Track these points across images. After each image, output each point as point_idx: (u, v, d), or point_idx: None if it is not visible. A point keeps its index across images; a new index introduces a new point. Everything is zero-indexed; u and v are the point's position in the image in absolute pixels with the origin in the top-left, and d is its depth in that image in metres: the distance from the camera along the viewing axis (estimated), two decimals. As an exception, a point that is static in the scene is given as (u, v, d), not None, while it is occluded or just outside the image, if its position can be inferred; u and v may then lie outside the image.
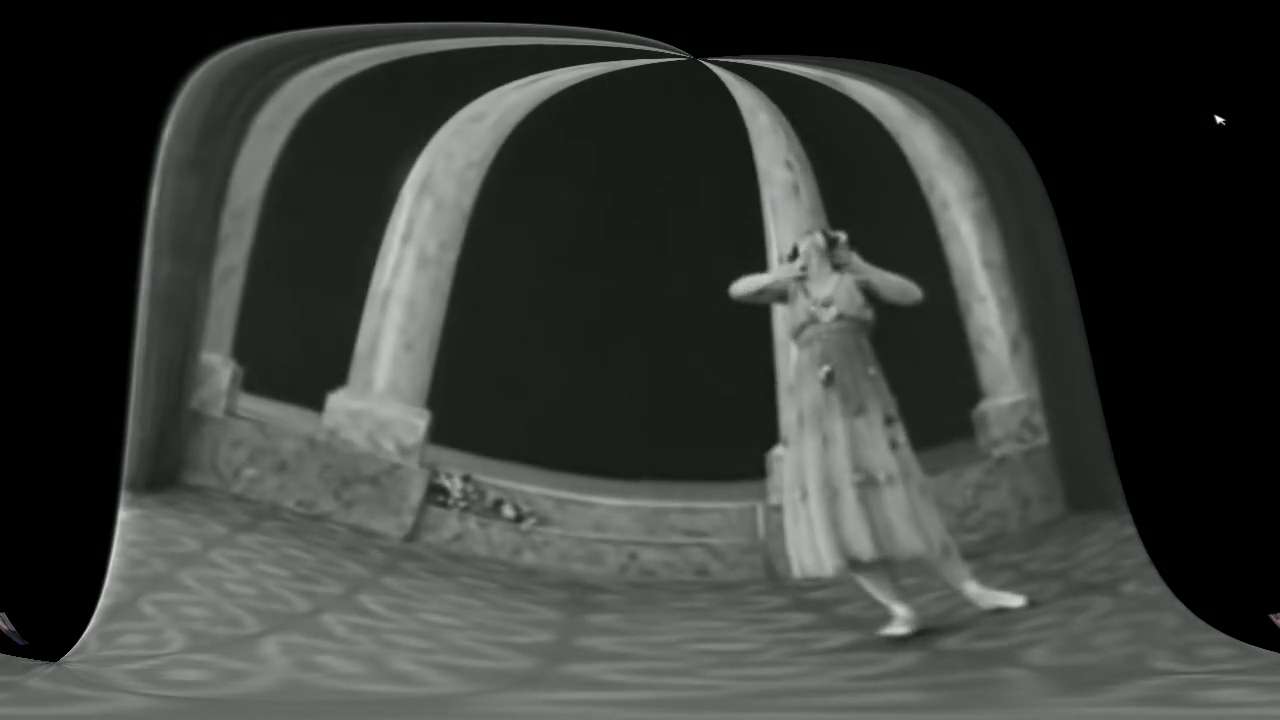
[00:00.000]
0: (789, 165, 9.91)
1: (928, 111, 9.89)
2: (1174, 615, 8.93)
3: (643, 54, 9.67)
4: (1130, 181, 9.44)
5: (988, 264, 9.86)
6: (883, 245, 9.76)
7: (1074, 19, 9.35)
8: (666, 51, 9.66)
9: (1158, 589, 9.10)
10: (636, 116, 9.67)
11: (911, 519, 9.14)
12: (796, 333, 9.29)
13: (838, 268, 9.29)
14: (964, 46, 9.40)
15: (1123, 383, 9.50)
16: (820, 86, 9.83)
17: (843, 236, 9.35)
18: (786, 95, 9.84)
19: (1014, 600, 9.06)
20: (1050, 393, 9.74)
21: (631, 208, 9.60)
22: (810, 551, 9.23)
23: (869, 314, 9.24)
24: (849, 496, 9.14)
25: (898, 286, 9.31)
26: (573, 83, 9.74)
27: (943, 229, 9.89)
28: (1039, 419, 9.70)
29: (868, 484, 9.13)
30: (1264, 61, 9.36)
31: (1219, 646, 8.69)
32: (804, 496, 9.24)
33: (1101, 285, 9.55)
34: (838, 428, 9.19)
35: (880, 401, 9.18)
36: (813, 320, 9.22)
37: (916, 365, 9.68)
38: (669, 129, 9.68)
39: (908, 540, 9.13)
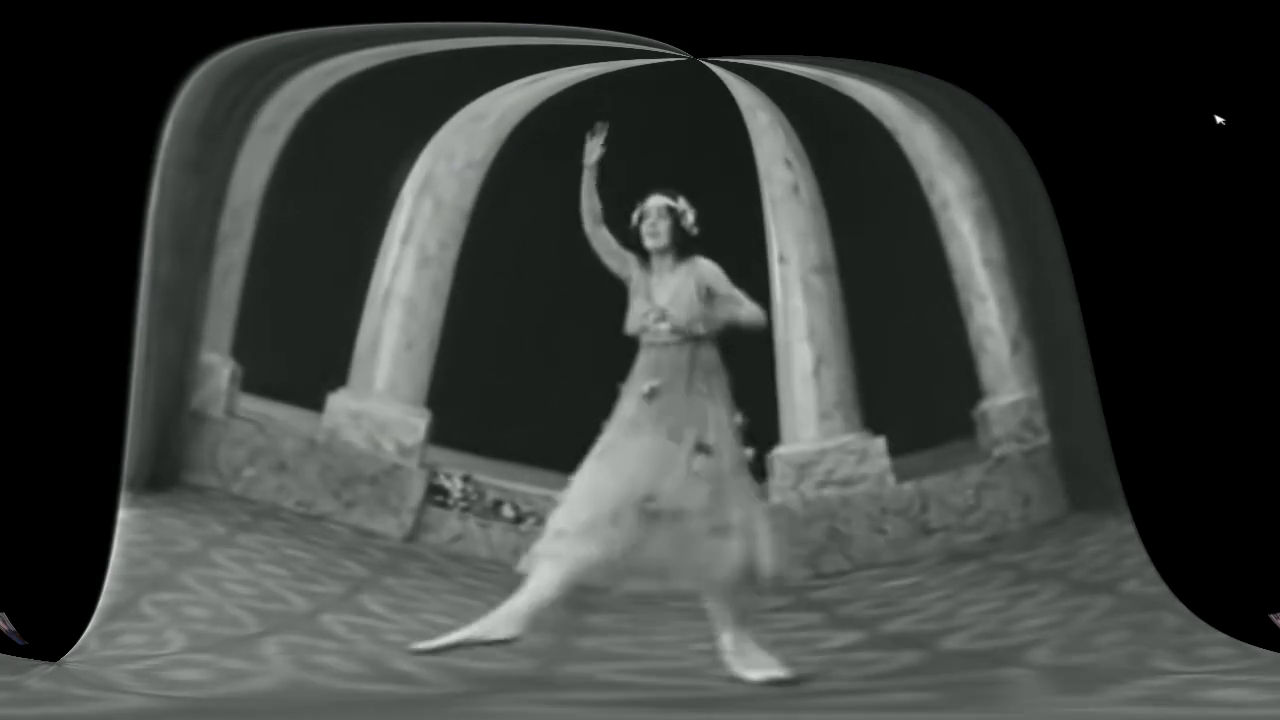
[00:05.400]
0: (789, 164, 9.91)
1: (927, 110, 9.89)
2: (1174, 615, 8.93)
3: (643, 54, 9.67)
4: (1130, 181, 9.44)
5: (988, 263, 9.87)
6: (883, 244, 9.79)
7: (1074, 19, 9.35)
8: (666, 51, 9.66)
9: (1158, 588, 9.10)
10: (636, 116, 9.66)
11: (685, 556, 8.59)
12: (636, 333, 8.77)
13: (684, 256, 8.74)
14: (964, 46, 9.40)
15: (1123, 383, 9.50)
16: (820, 86, 9.83)
17: (691, 217, 8.75)
18: (786, 95, 9.84)
19: (768, 672, 8.52)
20: (1050, 392, 9.74)
21: (631, 207, 9.59)
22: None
23: (704, 327, 8.70)
24: (626, 523, 8.61)
25: (751, 316, 8.80)
26: (573, 83, 9.74)
27: (943, 228, 9.90)
28: (1039, 418, 9.71)
29: (650, 514, 8.61)
30: (1264, 61, 9.36)
31: (1219, 646, 8.69)
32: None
33: (1101, 285, 9.55)
34: (643, 446, 8.67)
35: (695, 428, 8.65)
36: (645, 329, 8.72)
37: (916, 365, 9.70)
38: (669, 129, 9.68)
39: (678, 578, 8.63)
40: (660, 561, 8.59)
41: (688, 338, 8.69)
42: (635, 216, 8.77)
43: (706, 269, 8.74)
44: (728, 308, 8.74)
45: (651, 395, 8.67)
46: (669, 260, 8.75)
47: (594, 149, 8.75)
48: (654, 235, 8.75)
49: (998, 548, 9.48)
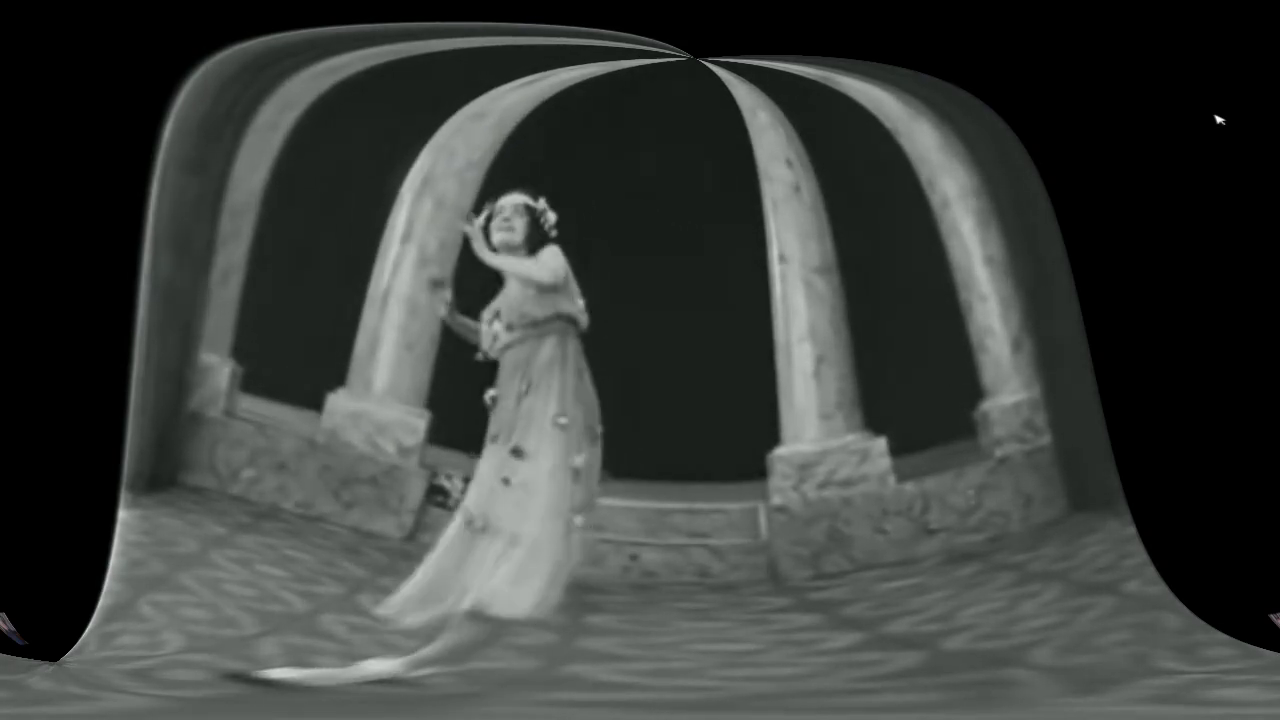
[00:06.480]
0: (789, 164, 9.91)
1: (927, 110, 9.89)
2: (1175, 615, 8.94)
3: (643, 54, 9.66)
4: (1130, 180, 9.44)
5: (988, 262, 9.86)
6: (883, 244, 9.79)
7: (1074, 19, 9.35)
8: (666, 51, 9.65)
9: (1159, 589, 9.10)
10: (636, 116, 9.66)
11: (489, 574, 8.44)
12: (491, 353, 8.64)
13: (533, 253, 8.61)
14: (964, 46, 9.40)
15: (1123, 383, 9.50)
16: (820, 86, 9.82)
17: (551, 218, 8.65)
18: (786, 95, 9.83)
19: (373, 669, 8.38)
20: (1051, 392, 9.74)
21: (631, 207, 9.60)
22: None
23: (539, 311, 8.58)
24: (448, 537, 8.59)
25: (521, 269, 8.59)
26: (573, 83, 9.73)
27: (943, 227, 9.89)
28: (1040, 419, 9.71)
29: (470, 527, 8.53)
30: (1264, 61, 9.36)
31: (1221, 647, 8.70)
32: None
33: (1101, 285, 9.55)
34: (481, 460, 8.60)
35: (519, 430, 8.52)
36: (494, 339, 8.61)
37: (917, 365, 9.69)
38: (669, 129, 9.67)
39: (507, 602, 8.38)
40: (464, 582, 8.46)
41: (526, 332, 8.56)
42: (483, 216, 8.68)
43: (541, 253, 8.62)
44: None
45: (491, 404, 8.62)
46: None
47: (438, 305, 8.73)
48: (509, 230, 8.64)
49: (999, 548, 9.48)
